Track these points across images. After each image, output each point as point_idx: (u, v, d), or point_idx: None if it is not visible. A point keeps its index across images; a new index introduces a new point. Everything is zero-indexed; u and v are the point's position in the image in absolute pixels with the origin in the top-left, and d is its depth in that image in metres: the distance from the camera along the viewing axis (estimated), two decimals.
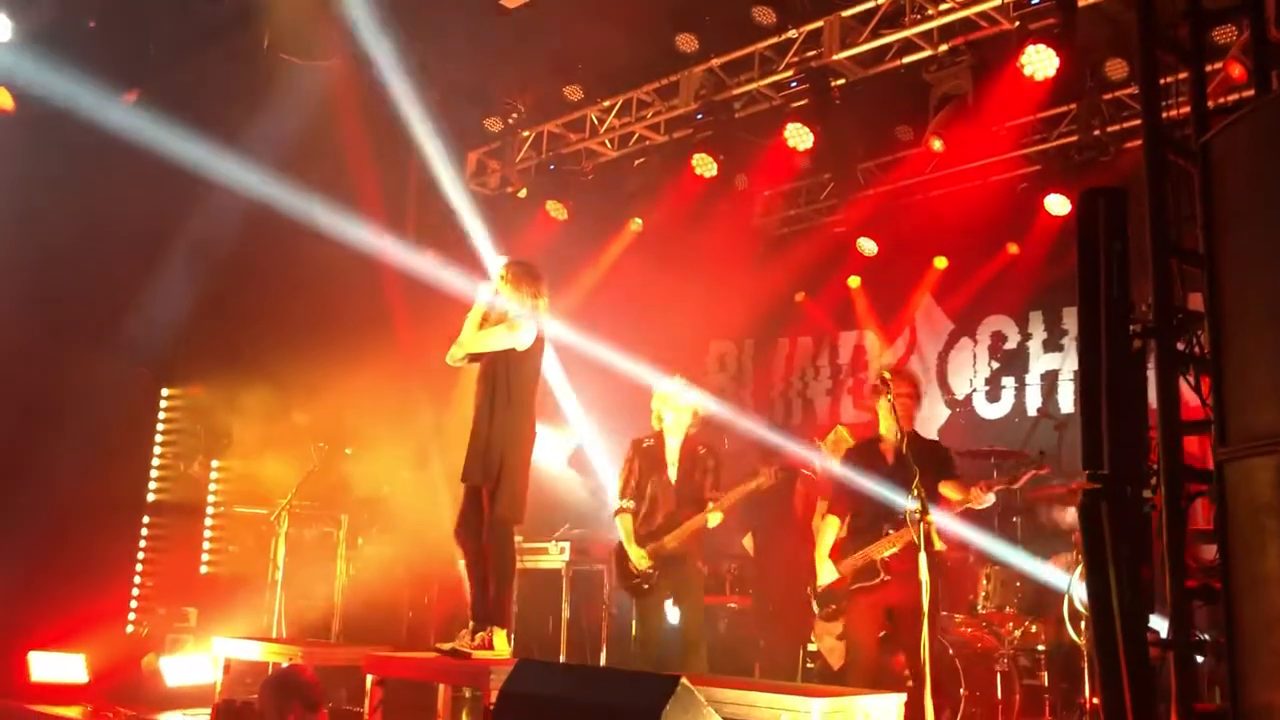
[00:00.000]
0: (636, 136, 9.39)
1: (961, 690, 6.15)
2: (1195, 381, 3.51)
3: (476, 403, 5.63)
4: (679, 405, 6.30)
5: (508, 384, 5.52)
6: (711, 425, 6.60)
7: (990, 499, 5.29)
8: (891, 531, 5.37)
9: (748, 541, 8.38)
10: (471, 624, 5.47)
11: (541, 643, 7.64)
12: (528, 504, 5.59)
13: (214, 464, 8.79)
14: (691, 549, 6.20)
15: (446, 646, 5.41)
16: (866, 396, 9.53)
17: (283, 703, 4.57)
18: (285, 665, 5.69)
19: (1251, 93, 4.25)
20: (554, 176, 9.81)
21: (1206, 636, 4.47)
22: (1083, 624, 5.78)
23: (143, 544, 8.62)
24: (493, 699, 4.57)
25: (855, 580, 5.51)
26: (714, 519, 6.07)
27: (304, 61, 8.06)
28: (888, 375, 5.48)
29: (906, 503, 5.11)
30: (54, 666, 7.28)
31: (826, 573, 5.63)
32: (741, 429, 8.55)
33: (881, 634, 5.78)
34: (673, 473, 6.27)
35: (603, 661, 7.28)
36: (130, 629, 8.29)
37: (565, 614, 7.13)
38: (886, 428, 5.62)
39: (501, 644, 5.36)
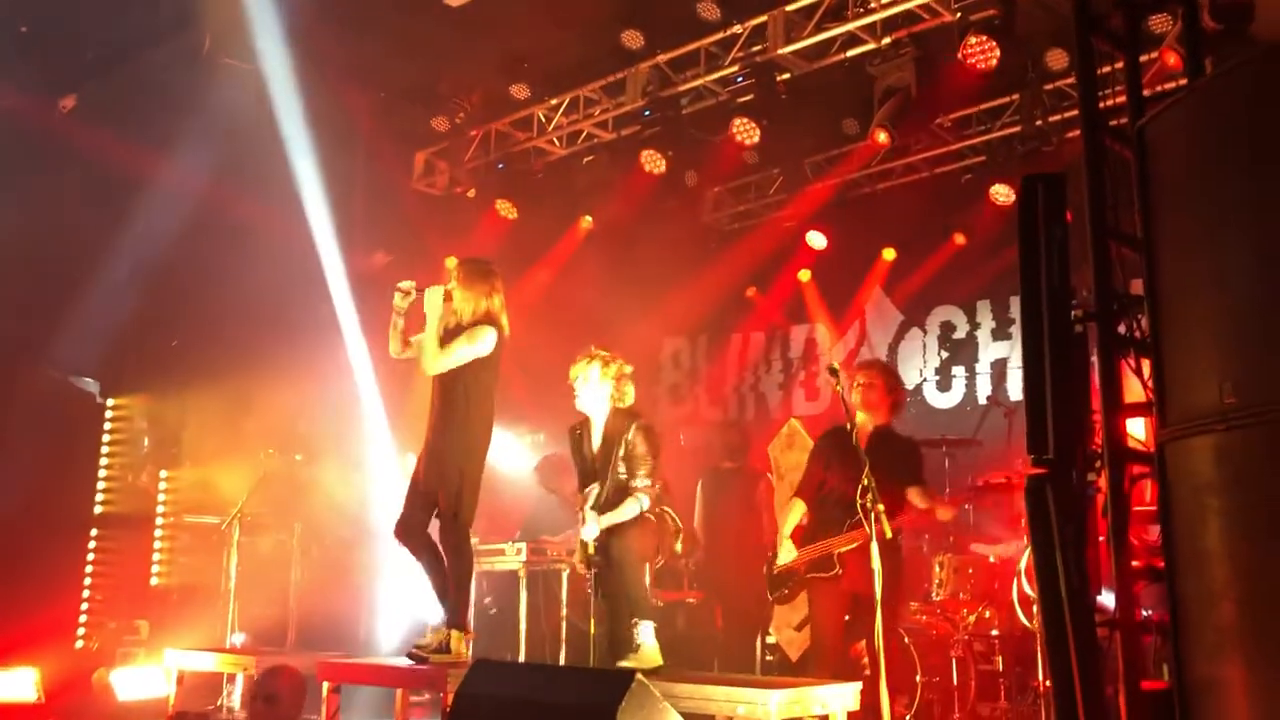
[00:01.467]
0: (585, 134, 9.38)
1: (918, 677, 6.20)
2: (1136, 364, 3.56)
3: (433, 407, 5.53)
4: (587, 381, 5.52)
5: (465, 390, 5.42)
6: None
7: (951, 515, 5.42)
8: (850, 525, 5.37)
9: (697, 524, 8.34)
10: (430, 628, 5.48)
11: (500, 644, 7.60)
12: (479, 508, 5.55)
13: (162, 474, 8.67)
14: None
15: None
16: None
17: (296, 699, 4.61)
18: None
19: (1186, 80, 4.32)
20: (503, 176, 9.77)
21: (1152, 614, 4.54)
22: (1034, 608, 5.84)
23: (91, 557, 8.48)
24: (450, 701, 4.54)
25: (810, 570, 5.52)
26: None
27: (245, 65, 7.98)
28: (836, 365, 5.50)
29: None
30: (2, 685, 7.13)
31: (785, 552, 5.60)
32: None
33: (845, 619, 5.80)
34: (595, 449, 5.56)
35: (562, 661, 7.25)
36: (80, 644, 8.16)
37: (523, 615, 7.08)
38: (859, 417, 5.62)
39: (459, 646, 5.33)
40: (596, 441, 5.54)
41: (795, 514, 5.73)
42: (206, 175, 7.56)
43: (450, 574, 5.41)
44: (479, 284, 5.52)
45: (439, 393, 5.49)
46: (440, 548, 5.44)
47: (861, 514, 4.82)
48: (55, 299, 7.69)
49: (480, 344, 5.38)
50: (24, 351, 7.73)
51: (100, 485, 8.58)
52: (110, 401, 8.68)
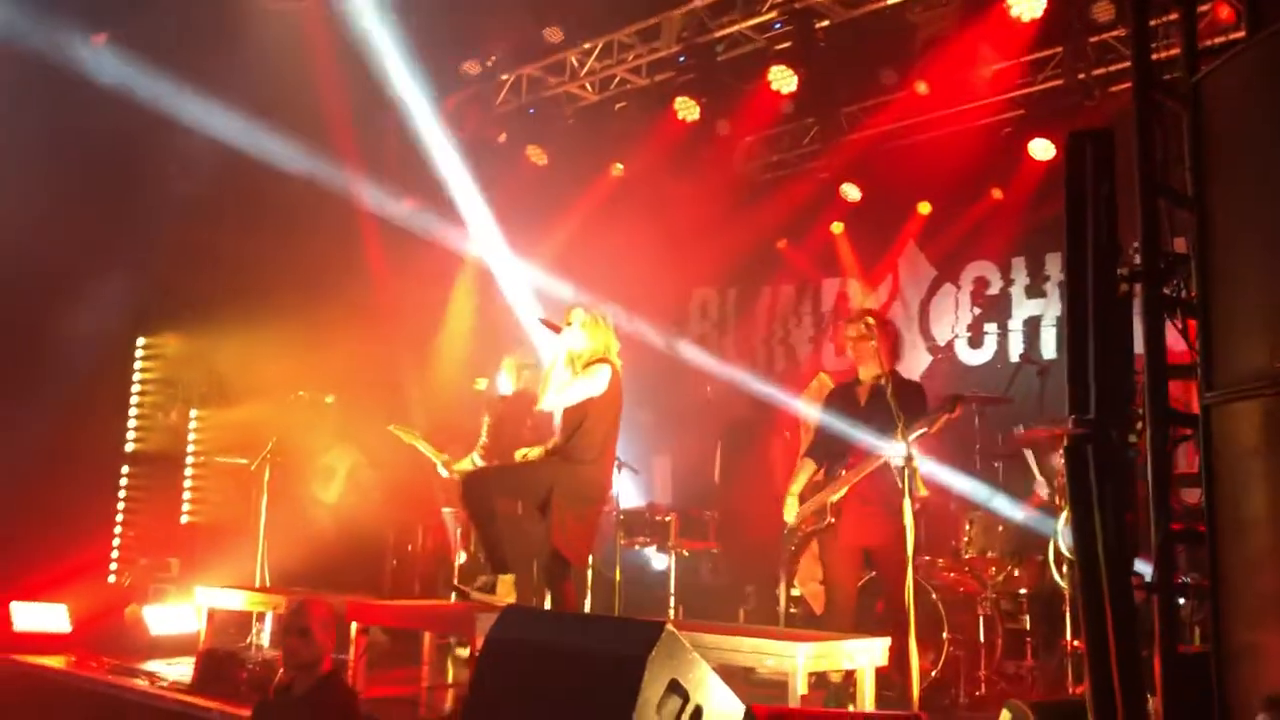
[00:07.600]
0: (618, 80, 9.26)
1: (944, 634, 6.20)
2: (1182, 325, 3.49)
3: (558, 431, 5.71)
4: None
5: (583, 424, 5.58)
6: None
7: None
8: (843, 474, 5.38)
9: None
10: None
11: (528, 591, 7.66)
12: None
13: (193, 413, 8.73)
14: None
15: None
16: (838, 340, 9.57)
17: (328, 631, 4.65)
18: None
19: (1241, 34, 4.20)
20: (534, 121, 9.68)
21: (1190, 579, 4.52)
22: (1065, 567, 5.82)
23: (123, 494, 8.60)
24: (479, 646, 4.58)
25: (812, 523, 5.53)
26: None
27: (277, 4, 7.90)
28: (871, 320, 5.45)
29: (885, 446, 5.09)
30: (36, 617, 7.26)
31: (789, 510, 5.64)
32: None
33: (863, 579, 5.81)
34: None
35: (588, 608, 7.31)
36: (112, 579, 8.28)
37: None
38: (861, 370, 5.62)
39: (505, 591, 5.41)
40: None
41: (805, 473, 5.74)
42: (239, 115, 7.51)
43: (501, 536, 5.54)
44: (596, 330, 5.74)
45: (563, 419, 5.70)
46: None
47: (897, 475, 4.77)
48: (86, 239, 7.70)
49: (596, 380, 5.60)
50: (54, 291, 7.76)
51: (131, 423, 8.66)
52: (141, 340, 8.73)
